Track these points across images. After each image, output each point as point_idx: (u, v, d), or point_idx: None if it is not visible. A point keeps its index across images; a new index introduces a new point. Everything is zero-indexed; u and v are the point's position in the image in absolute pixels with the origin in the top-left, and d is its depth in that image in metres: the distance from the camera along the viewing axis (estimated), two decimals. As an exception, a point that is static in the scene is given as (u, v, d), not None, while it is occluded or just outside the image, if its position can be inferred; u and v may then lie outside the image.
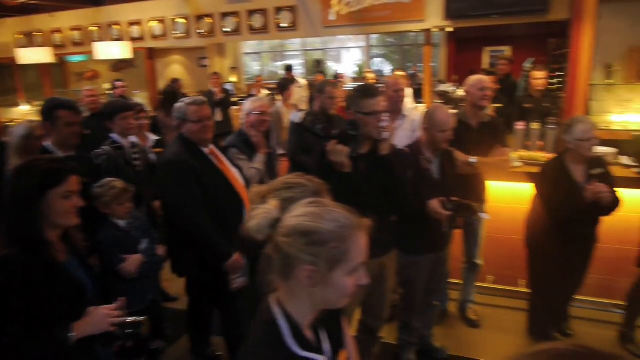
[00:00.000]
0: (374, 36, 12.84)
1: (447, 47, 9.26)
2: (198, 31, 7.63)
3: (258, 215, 1.19)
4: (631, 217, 3.17)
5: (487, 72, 5.48)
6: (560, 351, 0.68)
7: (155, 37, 8.10)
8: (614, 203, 2.83)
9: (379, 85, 5.17)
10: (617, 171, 3.43)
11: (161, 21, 7.95)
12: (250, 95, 6.37)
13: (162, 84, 9.13)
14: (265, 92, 6.79)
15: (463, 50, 9.32)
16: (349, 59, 14.44)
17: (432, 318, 3.27)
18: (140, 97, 8.19)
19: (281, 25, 6.89)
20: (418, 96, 6.92)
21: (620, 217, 3.14)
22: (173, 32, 7.89)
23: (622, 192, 2.96)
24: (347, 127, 2.34)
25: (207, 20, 7.46)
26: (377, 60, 13.78)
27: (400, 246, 2.70)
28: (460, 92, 7.10)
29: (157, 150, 3.60)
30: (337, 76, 10.63)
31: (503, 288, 3.88)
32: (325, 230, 1.11)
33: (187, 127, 2.70)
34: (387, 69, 13.22)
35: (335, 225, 1.12)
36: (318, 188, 1.47)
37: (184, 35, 7.79)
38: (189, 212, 2.63)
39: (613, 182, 2.91)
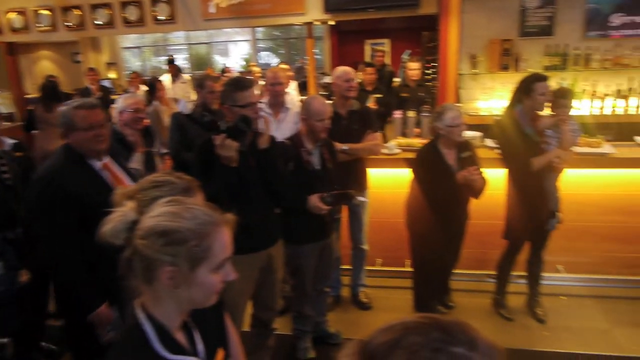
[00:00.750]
0: (260, 29, 12.77)
1: (331, 40, 9.47)
2: (66, 24, 7.05)
3: (114, 218, 1.12)
4: (496, 194, 3.47)
5: (367, 64, 5.68)
6: (407, 324, 0.71)
7: (15, 31, 7.34)
8: (482, 184, 3.09)
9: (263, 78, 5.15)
10: (483, 153, 3.75)
11: (21, 12, 7.21)
12: (127, 92, 6.01)
13: (29, 82, 8.30)
14: (144, 88, 6.45)
15: (346, 43, 9.60)
16: (236, 52, 14.24)
17: (325, 305, 3.34)
18: (1, 98, 7.39)
19: (159, 17, 6.58)
20: (305, 89, 7.00)
21: (487, 195, 3.44)
22: (37, 25, 7.20)
23: (487, 172, 3.25)
24: (239, 122, 2.31)
25: (76, 12, 6.91)
26: (264, 54, 13.75)
27: (287, 236, 2.73)
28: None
29: (18, 154, 3.24)
30: (225, 70, 10.41)
31: (391, 269, 4.08)
32: (184, 229, 1.08)
33: (74, 136, 2.21)
34: (274, 62, 13.24)
35: (194, 222, 1.09)
36: (188, 185, 1.43)
37: (49, 28, 7.14)
38: (57, 247, 2.17)
39: (479, 163, 3.18)
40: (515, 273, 3.61)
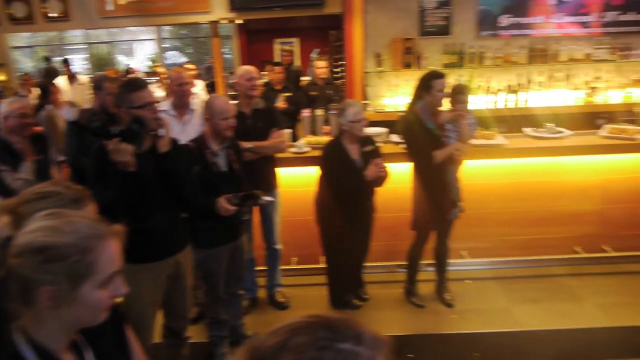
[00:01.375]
0: (166, 28, 12.32)
1: (239, 39, 9.34)
2: (-61, 21, 6.32)
3: None
4: (403, 188, 3.61)
5: (274, 63, 5.66)
6: (294, 325, 0.72)
7: None
8: (385, 175, 3.21)
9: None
10: (388, 148, 3.89)
11: None
12: (18, 95, 5.53)
13: None
14: (37, 91, 5.97)
15: (255, 42, 9.52)
16: (141, 52, 13.63)
17: (240, 308, 3.29)
18: None
19: (50, 15, 6.10)
20: (214, 89, 6.84)
21: (393, 188, 3.57)
22: None
23: (393, 167, 3.38)
24: (132, 124, 2.20)
25: (-49, 8, 6.22)
26: (171, 53, 13.28)
27: (195, 241, 2.66)
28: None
29: None
30: (129, 71, 9.95)
31: (306, 267, 4.10)
32: (63, 244, 1.00)
33: None
34: (182, 62, 12.84)
35: (76, 237, 1.01)
36: (78, 195, 1.34)
37: None
38: None
39: (382, 156, 3.29)
40: (424, 262, 3.78)
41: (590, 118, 5.35)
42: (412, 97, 3.48)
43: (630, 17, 5.61)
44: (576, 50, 5.66)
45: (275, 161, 3.49)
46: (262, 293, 3.84)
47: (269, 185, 3.37)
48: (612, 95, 5.65)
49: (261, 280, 3.84)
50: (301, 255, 4.10)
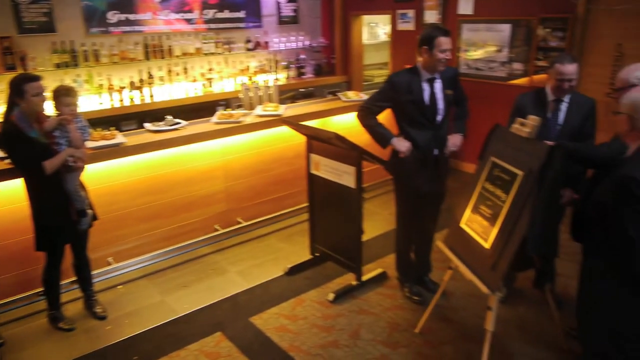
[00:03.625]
0: None
1: None
2: None
3: None
4: (19, 207, 3.19)
5: None
6: None
7: None
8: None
9: None
10: (-9, 166, 3.36)
11: None
12: None
13: None
14: None
15: None
16: None
17: None
18: None
19: None
20: None
21: (8, 210, 3.13)
22: None
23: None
24: None
25: None
26: None
27: None
28: None
29: None
30: None
31: None
32: None
33: None
34: None
35: None
36: None
37: None
38: None
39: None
40: (65, 281, 3.48)
41: (213, 106, 5.87)
42: (6, 105, 3.06)
43: (226, 14, 6.37)
44: (187, 45, 6.08)
45: None
46: None
47: None
48: (227, 84, 6.35)
49: None
50: None
